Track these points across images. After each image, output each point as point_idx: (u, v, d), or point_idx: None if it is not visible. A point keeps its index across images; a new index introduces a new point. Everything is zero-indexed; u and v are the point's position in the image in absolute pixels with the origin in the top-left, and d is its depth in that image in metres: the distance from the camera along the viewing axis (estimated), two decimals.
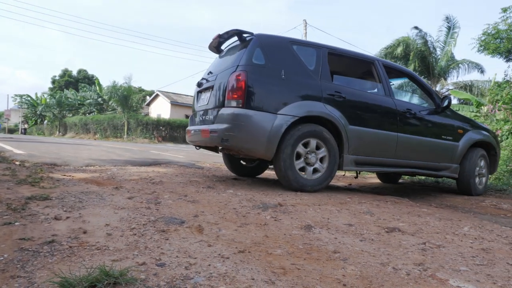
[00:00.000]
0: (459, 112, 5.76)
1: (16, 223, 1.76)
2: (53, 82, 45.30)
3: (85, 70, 46.77)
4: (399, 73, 4.49)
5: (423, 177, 6.24)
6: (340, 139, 3.46)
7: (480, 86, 18.08)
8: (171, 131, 24.92)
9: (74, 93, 34.00)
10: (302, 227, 2.07)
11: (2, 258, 1.34)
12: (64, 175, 3.53)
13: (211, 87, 3.64)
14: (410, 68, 16.76)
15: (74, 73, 46.07)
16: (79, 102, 33.32)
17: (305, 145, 3.33)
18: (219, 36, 3.81)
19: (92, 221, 1.89)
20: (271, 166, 4.99)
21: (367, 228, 2.17)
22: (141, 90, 37.49)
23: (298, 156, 3.31)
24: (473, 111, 10.57)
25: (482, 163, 4.66)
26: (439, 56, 18.83)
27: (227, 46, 4.05)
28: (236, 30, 3.60)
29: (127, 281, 1.16)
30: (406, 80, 5.35)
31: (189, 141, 4.10)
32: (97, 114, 30.59)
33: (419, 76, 4.66)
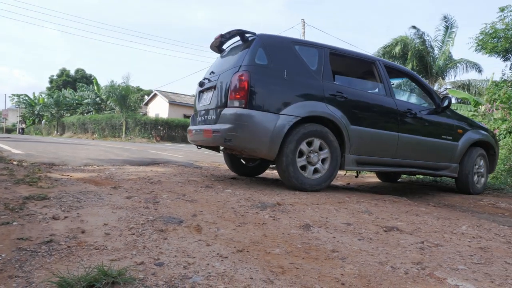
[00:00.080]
0: (458, 112, 5.77)
1: (14, 223, 1.75)
2: (51, 81, 45.13)
3: (83, 70, 46.63)
4: (400, 73, 4.51)
5: (421, 176, 6.25)
6: (342, 139, 3.48)
7: (477, 86, 18.11)
8: (169, 131, 24.89)
9: (72, 93, 33.88)
10: (300, 226, 2.07)
11: (0, 258, 1.34)
12: (62, 175, 3.52)
13: (214, 87, 3.65)
14: (408, 68, 16.77)
15: (72, 72, 45.93)
16: (77, 101, 33.21)
17: (309, 144, 3.35)
18: (221, 36, 3.81)
19: (90, 221, 1.89)
20: (272, 166, 5.01)
21: (366, 227, 2.17)
22: (139, 89, 37.41)
23: (301, 154, 3.33)
24: (471, 111, 10.60)
25: (481, 162, 4.69)
26: (437, 56, 18.88)
27: (229, 46, 4.05)
28: (238, 30, 3.60)
29: (125, 281, 1.16)
30: (405, 79, 5.37)
31: (190, 141, 4.10)
32: (95, 113, 30.49)
33: (419, 76, 4.68)
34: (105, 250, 1.47)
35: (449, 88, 17.97)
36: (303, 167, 3.35)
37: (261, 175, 4.81)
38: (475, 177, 4.60)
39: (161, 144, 19.74)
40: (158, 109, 29.65)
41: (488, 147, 4.82)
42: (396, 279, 1.37)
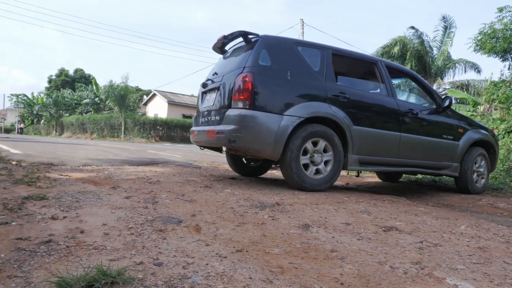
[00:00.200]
0: (458, 112, 5.79)
1: (13, 223, 1.75)
2: (50, 81, 45.03)
3: (81, 70, 46.55)
4: (401, 74, 4.53)
5: (420, 176, 6.26)
6: (345, 139, 3.50)
7: (476, 86, 18.16)
8: (168, 131, 24.86)
9: (70, 93, 33.82)
10: (299, 226, 2.07)
11: None
12: (61, 175, 3.52)
13: (217, 88, 3.66)
14: (407, 67, 16.81)
15: (71, 72, 45.85)
16: (76, 101, 33.15)
17: (314, 144, 3.38)
18: (224, 37, 3.83)
19: (89, 221, 1.89)
20: (274, 166, 5.02)
21: (365, 227, 2.17)
22: (138, 89, 37.32)
23: (305, 152, 3.35)
24: (469, 111, 10.61)
25: (482, 162, 4.72)
26: (435, 56, 18.92)
27: (231, 47, 4.06)
28: (241, 31, 3.61)
29: (124, 281, 1.16)
30: (406, 80, 5.38)
31: (193, 142, 4.12)
32: (94, 113, 30.44)
33: (419, 76, 4.69)
34: (104, 250, 1.47)
35: (448, 88, 18.00)
36: (306, 166, 3.36)
37: (260, 175, 4.81)
38: (475, 176, 4.62)
39: (160, 144, 19.72)
40: (157, 109, 29.63)
41: (488, 146, 4.84)
42: (395, 278, 1.38)
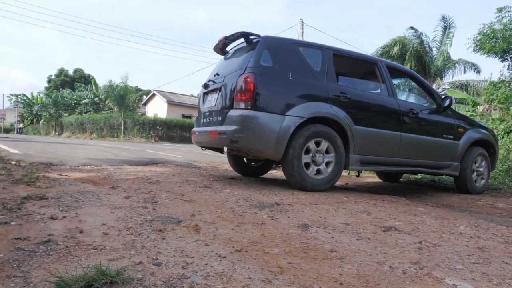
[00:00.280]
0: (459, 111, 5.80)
1: (12, 223, 1.75)
2: (49, 81, 44.99)
3: (81, 70, 46.52)
4: (402, 74, 4.55)
5: (419, 176, 6.27)
6: (346, 139, 3.51)
7: (475, 86, 18.19)
8: (167, 131, 24.86)
9: (70, 93, 33.81)
10: (299, 226, 2.08)
11: None
12: (60, 175, 3.52)
13: (219, 89, 3.66)
14: (406, 67, 16.82)
15: (71, 72, 45.82)
16: (75, 101, 33.13)
17: (316, 144, 3.39)
18: (225, 38, 3.84)
19: (89, 221, 1.88)
20: (274, 166, 5.02)
21: (364, 227, 2.17)
22: (137, 89, 37.32)
23: (307, 152, 3.36)
24: (469, 111, 10.62)
25: (482, 162, 4.73)
26: (435, 56, 18.93)
27: (233, 48, 4.07)
28: (243, 32, 3.61)
29: (123, 281, 1.16)
30: (407, 80, 5.39)
31: (195, 142, 4.12)
32: (94, 113, 30.42)
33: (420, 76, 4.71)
34: (103, 250, 1.47)
35: (447, 89, 18.01)
36: (307, 165, 3.37)
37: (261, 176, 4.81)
38: (474, 175, 4.62)
39: (160, 144, 19.72)
40: (157, 109, 29.62)
41: (488, 145, 4.85)
42: (394, 278, 1.38)
